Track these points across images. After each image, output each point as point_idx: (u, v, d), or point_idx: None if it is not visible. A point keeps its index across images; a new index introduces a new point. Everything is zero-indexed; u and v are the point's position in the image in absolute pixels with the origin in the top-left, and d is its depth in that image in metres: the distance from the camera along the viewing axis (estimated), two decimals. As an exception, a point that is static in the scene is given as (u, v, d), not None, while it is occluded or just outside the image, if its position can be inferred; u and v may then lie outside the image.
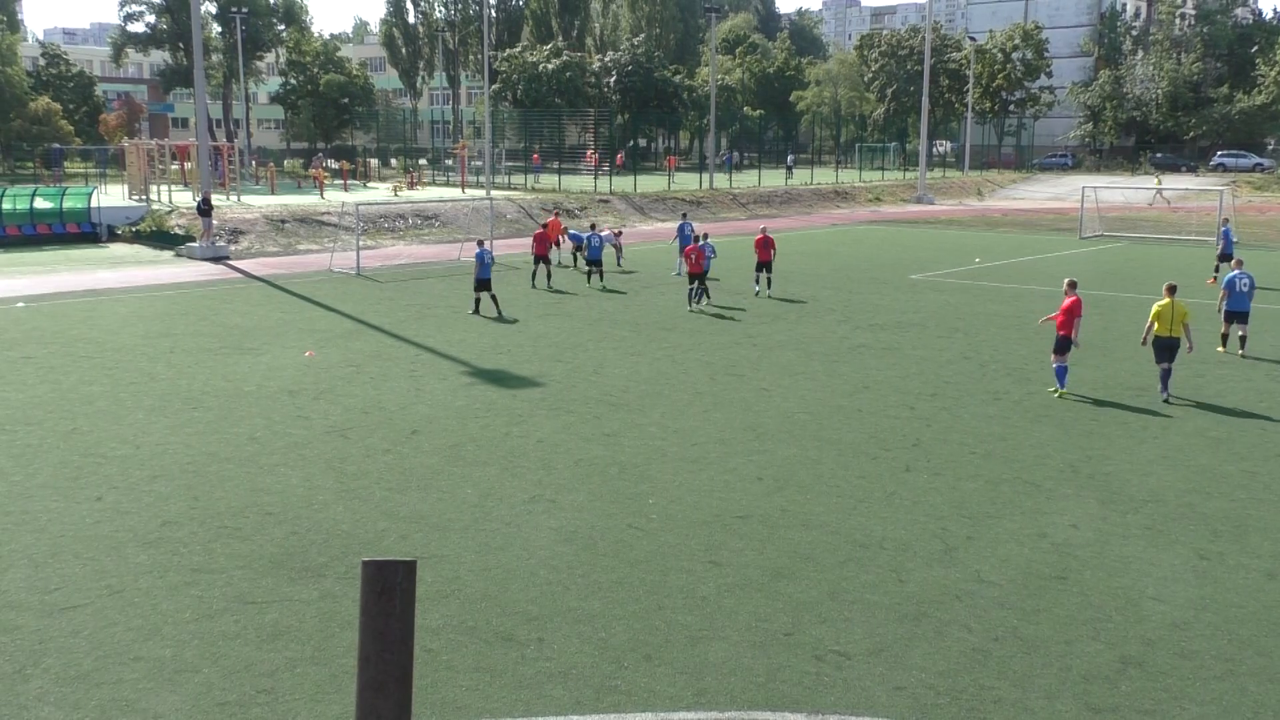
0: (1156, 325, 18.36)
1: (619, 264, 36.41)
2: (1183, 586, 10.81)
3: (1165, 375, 18.52)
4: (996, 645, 9.54)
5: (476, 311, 26.38)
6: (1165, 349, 18.44)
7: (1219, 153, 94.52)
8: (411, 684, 3.84)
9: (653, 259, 38.34)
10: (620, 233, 39.16)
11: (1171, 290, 18.55)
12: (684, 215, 43.90)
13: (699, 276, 27.61)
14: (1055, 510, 12.95)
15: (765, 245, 29.70)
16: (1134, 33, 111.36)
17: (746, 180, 75.26)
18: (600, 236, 33.53)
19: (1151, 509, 13.01)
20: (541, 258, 31.65)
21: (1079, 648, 9.52)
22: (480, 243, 27.44)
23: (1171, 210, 64.55)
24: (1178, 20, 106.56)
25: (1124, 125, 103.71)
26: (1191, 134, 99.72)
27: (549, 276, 31.60)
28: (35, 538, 11.80)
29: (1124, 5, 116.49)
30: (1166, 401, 18.22)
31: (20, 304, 27.98)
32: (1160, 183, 74.48)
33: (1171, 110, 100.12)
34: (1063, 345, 18.38)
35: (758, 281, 30.07)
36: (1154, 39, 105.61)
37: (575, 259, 35.87)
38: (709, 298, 27.90)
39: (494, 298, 26.50)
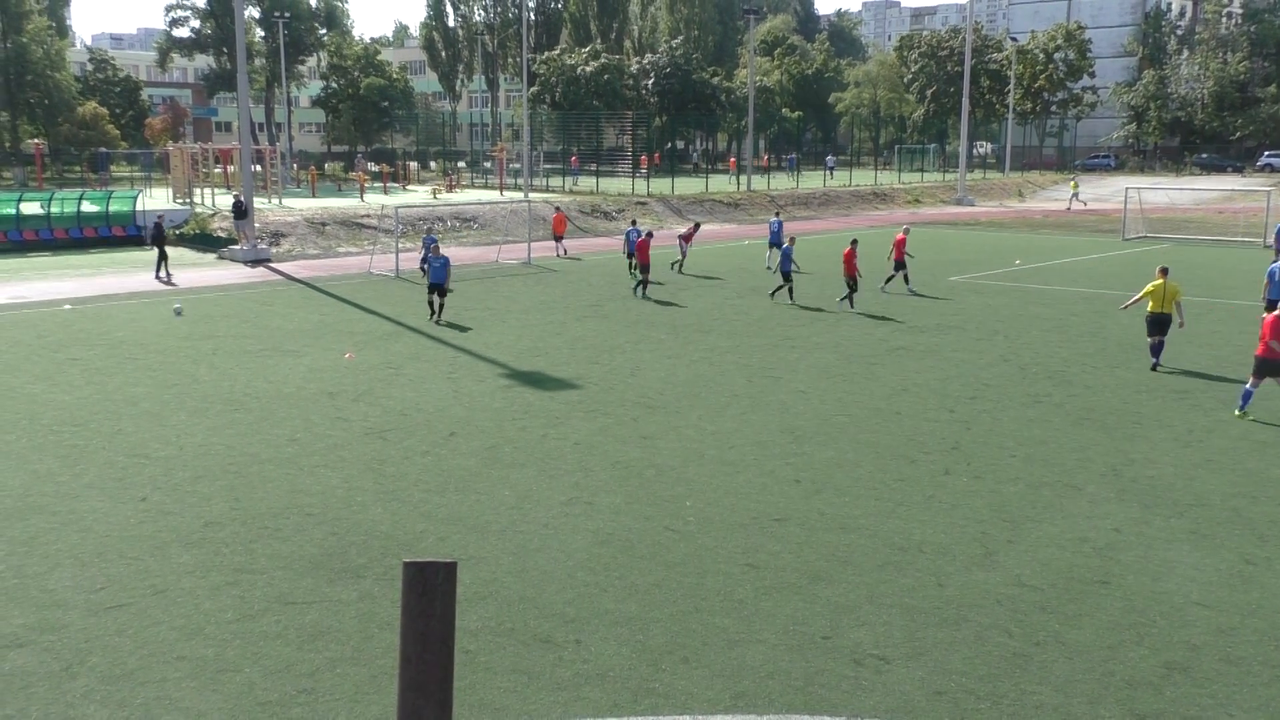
0: (1151, 303, 20.32)
1: (675, 267, 35.21)
2: (1229, 591, 10.65)
3: (1157, 347, 20.60)
4: (1038, 650, 9.45)
5: (434, 316, 26.02)
6: (1157, 324, 20.45)
7: (1266, 153, 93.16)
8: (452, 685, 3.86)
9: (691, 261, 38.29)
10: (691, 231, 37.12)
11: (1164, 272, 20.49)
12: (776, 213, 43.77)
13: (853, 280, 27.43)
14: (1097, 514, 12.80)
15: (899, 245, 30.58)
16: (1179, 32, 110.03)
17: (785, 182, 75.00)
18: (638, 230, 33.96)
19: (1196, 513, 12.84)
20: (645, 267, 30.34)
21: (1122, 653, 9.41)
22: (435, 248, 27.20)
23: (1087, 212, 64.96)
24: (1224, 19, 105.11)
25: (1168, 126, 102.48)
26: (1238, 134, 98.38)
27: (645, 286, 30.20)
28: (81, 537, 11.97)
29: (1169, 4, 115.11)
30: (1155, 370, 20.42)
31: (67, 306, 28.41)
32: (1076, 186, 74.07)
33: (1217, 110, 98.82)
34: (1264, 369, 16.92)
35: (906, 280, 30.61)
36: (1200, 38, 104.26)
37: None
38: (850, 303, 27.75)
39: (442, 304, 26.12)
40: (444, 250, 29.01)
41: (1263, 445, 15.66)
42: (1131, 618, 10.07)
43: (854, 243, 28.33)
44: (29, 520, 12.47)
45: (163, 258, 34.38)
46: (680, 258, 35.78)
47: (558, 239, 41.23)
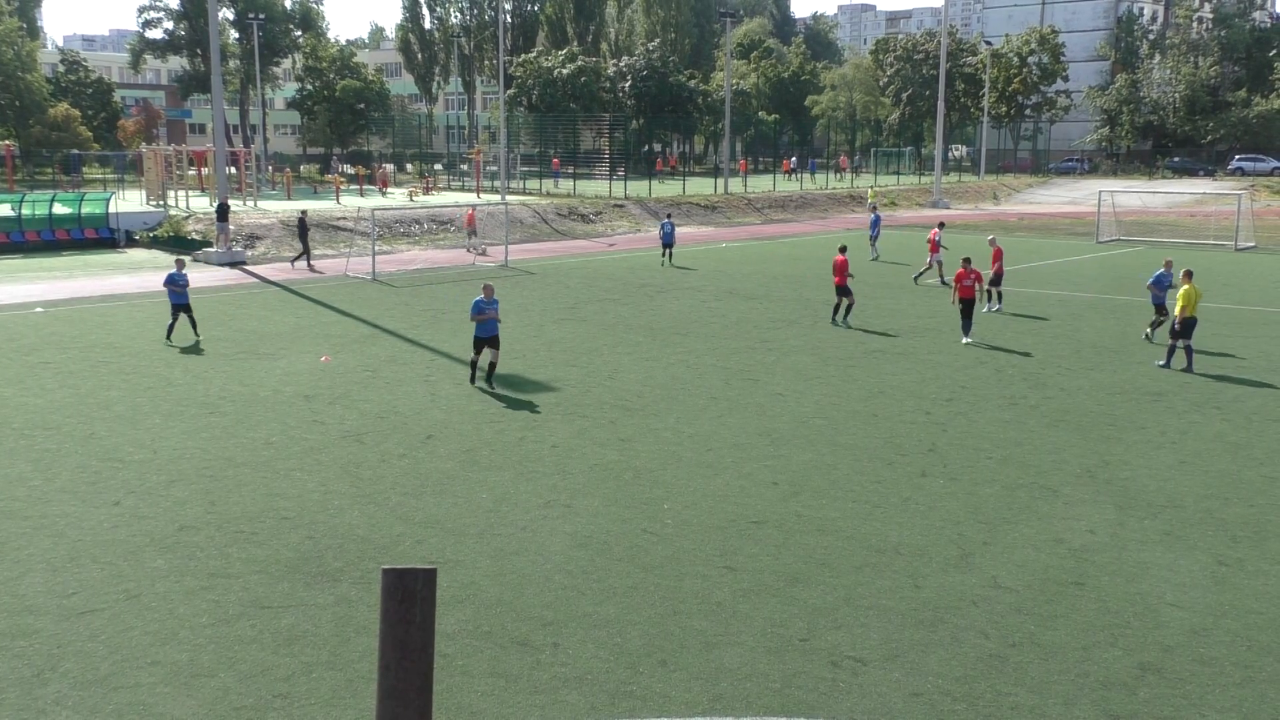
0: (1188, 308, 20.51)
1: (932, 274, 33.48)
2: (1201, 592, 10.74)
3: (1190, 350, 20.85)
4: (1014, 651, 9.50)
5: (474, 380, 19.56)
6: (1192, 326, 20.74)
7: (1237, 156, 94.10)
8: (432, 691, 3.84)
9: (675, 260, 38.31)
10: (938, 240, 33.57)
11: (1189, 275, 20.91)
12: (873, 208, 43.87)
13: (970, 303, 23.76)
14: (1072, 515, 12.88)
15: (996, 257, 28.19)
16: (1151, 36, 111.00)
17: (761, 184, 75.17)
18: (671, 222, 38.23)
19: (1170, 514, 12.94)
20: (842, 289, 25.79)
21: (1097, 654, 9.47)
22: (488, 289, 19.40)
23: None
24: (1195, 24, 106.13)
25: (1141, 129, 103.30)
26: (1209, 138, 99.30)
27: (849, 310, 26.02)
28: (54, 542, 11.86)
29: (1141, 9, 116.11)
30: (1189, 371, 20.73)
31: (39, 309, 28.14)
32: (875, 195, 65.37)
33: (1189, 114, 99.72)
34: None
35: (999, 299, 28.25)
36: (1171, 43, 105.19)
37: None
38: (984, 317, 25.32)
39: (493, 364, 19.51)
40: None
41: (1235, 447, 15.80)
42: (1106, 619, 10.14)
43: (967, 261, 24.13)
44: None
45: (305, 251, 37.98)
46: (934, 266, 33.43)
47: (471, 234, 42.44)
